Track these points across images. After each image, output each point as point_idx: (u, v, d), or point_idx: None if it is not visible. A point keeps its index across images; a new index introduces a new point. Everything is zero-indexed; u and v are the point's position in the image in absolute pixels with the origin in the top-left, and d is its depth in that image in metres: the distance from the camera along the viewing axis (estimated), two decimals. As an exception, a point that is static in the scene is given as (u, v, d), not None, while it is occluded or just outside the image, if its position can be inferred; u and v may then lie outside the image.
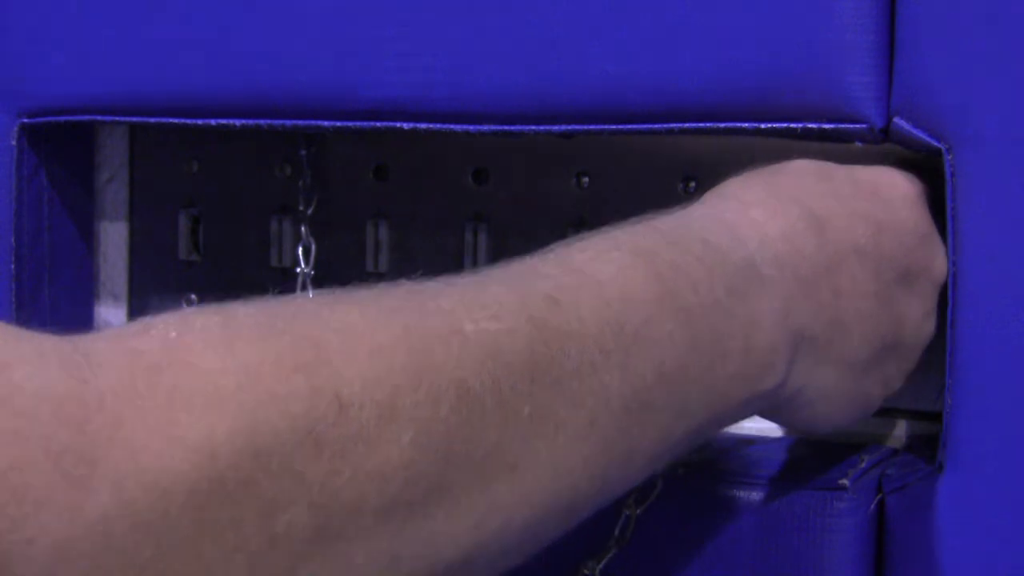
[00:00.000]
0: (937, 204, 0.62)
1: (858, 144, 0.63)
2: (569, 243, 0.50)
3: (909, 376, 0.62)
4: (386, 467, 0.39)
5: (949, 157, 0.60)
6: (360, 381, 0.39)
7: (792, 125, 0.62)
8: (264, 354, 0.38)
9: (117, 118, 0.76)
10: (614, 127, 0.66)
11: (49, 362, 0.36)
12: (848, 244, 0.56)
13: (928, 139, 0.61)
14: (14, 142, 0.78)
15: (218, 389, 0.37)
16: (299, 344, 0.39)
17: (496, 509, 0.43)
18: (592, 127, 0.66)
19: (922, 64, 0.61)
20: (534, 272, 0.47)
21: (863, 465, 0.62)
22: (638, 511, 0.61)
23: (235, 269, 0.82)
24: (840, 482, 0.60)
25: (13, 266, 0.79)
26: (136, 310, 0.84)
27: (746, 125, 0.63)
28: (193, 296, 0.83)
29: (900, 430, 0.68)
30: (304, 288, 0.78)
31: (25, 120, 0.78)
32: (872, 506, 0.60)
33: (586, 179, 0.74)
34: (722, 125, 0.64)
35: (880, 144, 0.63)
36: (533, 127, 0.67)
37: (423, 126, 0.69)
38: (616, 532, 0.61)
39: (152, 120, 0.75)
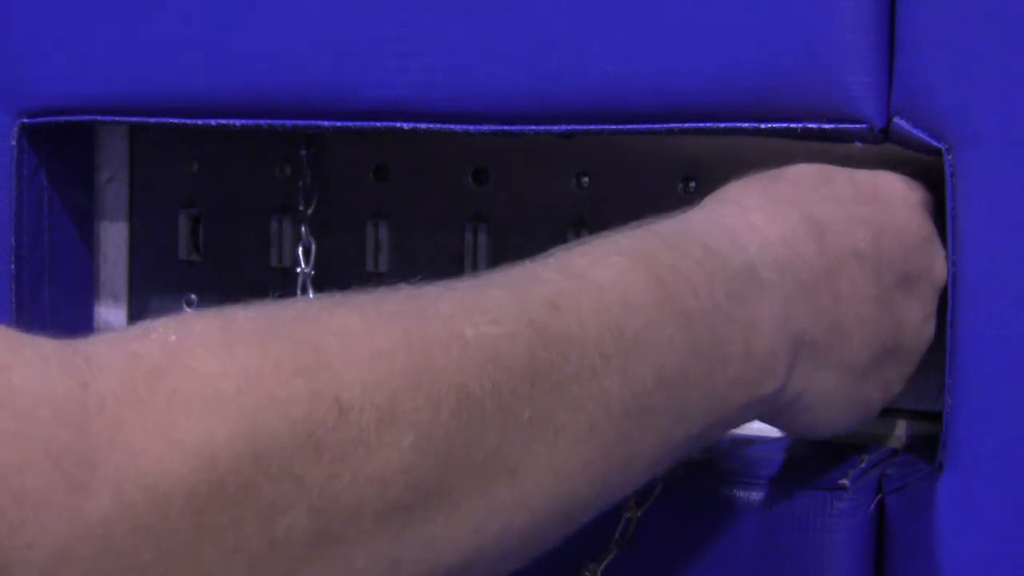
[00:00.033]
0: (937, 207, 0.62)
1: (858, 144, 0.63)
2: (569, 247, 0.50)
3: (909, 377, 0.62)
4: (386, 471, 0.39)
5: (949, 157, 0.60)
6: (360, 385, 0.39)
7: (792, 125, 0.63)
8: (264, 358, 0.38)
9: (117, 118, 0.76)
10: (614, 127, 0.66)
11: (50, 365, 0.36)
12: (848, 248, 0.57)
13: (928, 139, 0.61)
14: (14, 142, 0.78)
15: (218, 393, 0.37)
16: (299, 348, 0.39)
17: (496, 513, 0.43)
18: (592, 127, 0.66)
19: (922, 64, 0.61)
20: (534, 277, 0.47)
21: (863, 465, 0.62)
22: (639, 512, 0.61)
23: (235, 269, 0.82)
24: (840, 482, 0.60)
25: (13, 266, 0.79)
26: (136, 310, 0.84)
27: (746, 125, 0.63)
28: (193, 296, 0.83)
29: (900, 430, 0.68)
30: (304, 288, 0.78)
31: (25, 120, 0.78)
32: (872, 506, 0.61)
33: (586, 179, 0.74)
34: (722, 125, 0.64)
35: (880, 144, 0.63)
36: (533, 127, 0.67)
37: (423, 126, 0.69)
38: (617, 534, 0.61)
39: (152, 120, 0.75)
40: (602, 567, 0.61)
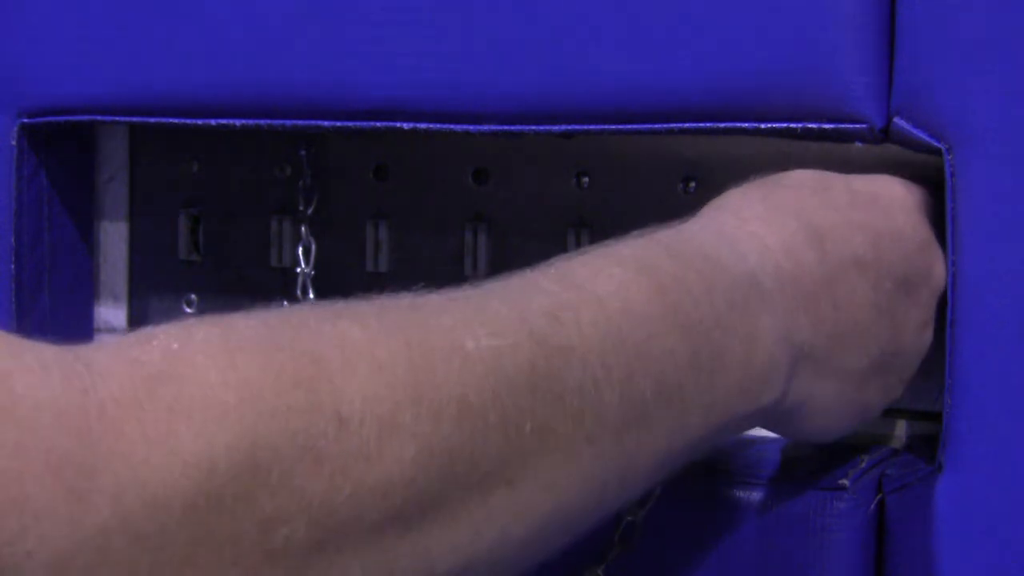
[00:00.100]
0: (937, 208, 0.62)
1: (858, 144, 0.63)
2: (570, 257, 0.50)
3: (908, 381, 0.62)
4: (387, 483, 0.39)
5: (949, 157, 0.60)
6: (361, 397, 0.39)
7: (792, 125, 0.63)
8: (265, 368, 0.38)
9: (117, 118, 0.76)
10: (614, 127, 0.66)
11: (51, 372, 0.36)
12: (848, 256, 0.56)
13: (928, 139, 0.61)
14: (14, 142, 0.78)
15: (219, 402, 0.37)
16: (300, 359, 0.39)
17: (493, 523, 0.43)
18: (592, 127, 0.66)
19: (922, 64, 0.61)
20: (535, 287, 0.47)
21: (863, 465, 0.62)
22: (641, 514, 0.61)
23: (235, 269, 0.82)
24: (840, 482, 0.60)
25: (13, 266, 0.79)
26: (136, 310, 0.84)
27: (746, 125, 0.63)
28: (193, 296, 0.83)
29: (900, 430, 0.68)
30: (304, 288, 0.78)
31: (25, 120, 0.78)
32: (872, 506, 0.61)
33: (586, 179, 0.74)
34: (722, 125, 0.64)
35: (880, 144, 0.63)
36: (533, 127, 0.67)
37: (423, 126, 0.69)
38: (616, 537, 0.61)
39: (152, 120, 0.74)
40: (602, 571, 0.61)
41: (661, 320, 0.48)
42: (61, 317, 0.81)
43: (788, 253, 0.54)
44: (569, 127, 0.67)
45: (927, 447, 0.64)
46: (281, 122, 0.71)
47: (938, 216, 0.62)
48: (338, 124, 0.70)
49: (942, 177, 0.61)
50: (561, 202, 0.75)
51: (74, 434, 0.35)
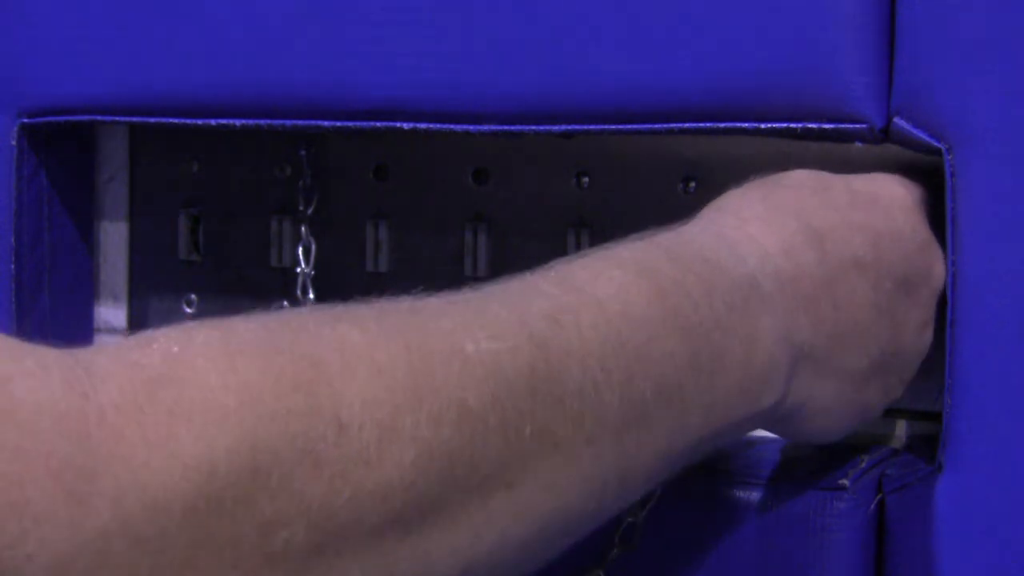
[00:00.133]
0: (937, 207, 0.62)
1: (858, 144, 0.63)
2: (570, 260, 0.50)
3: (909, 381, 0.62)
4: (387, 487, 0.39)
5: (949, 157, 0.60)
6: (360, 401, 0.39)
7: (792, 125, 0.63)
8: (265, 372, 0.38)
9: (117, 118, 0.76)
10: (614, 127, 0.66)
11: (51, 376, 0.36)
12: (847, 256, 0.56)
13: (928, 139, 0.61)
14: (14, 142, 0.78)
15: (219, 406, 0.37)
16: (300, 363, 0.39)
17: (492, 526, 0.43)
18: (592, 127, 0.66)
19: (922, 64, 0.61)
20: (534, 291, 0.47)
21: (863, 465, 0.62)
22: (641, 515, 0.61)
23: (235, 269, 0.82)
24: (840, 482, 0.60)
25: (13, 266, 0.79)
26: (136, 310, 0.84)
27: (746, 125, 0.63)
28: (193, 296, 0.83)
29: (900, 430, 0.68)
30: (304, 288, 0.78)
31: (25, 120, 0.78)
32: (872, 506, 0.61)
33: (586, 179, 0.74)
34: (722, 125, 0.64)
35: (880, 144, 0.63)
36: (533, 127, 0.67)
37: (423, 126, 0.69)
38: (617, 538, 0.61)
39: (152, 120, 0.75)
40: (603, 570, 0.61)
41: (661, 323, 0.48)
42: (61, 317, 0.81)
43: (788, 254, 0.55)
44: (569, 127, 0.67)
45: (927, 447, 0.64)
46: (281, 122, 0.71)
47: (938, 216, 0.62)
48: (338, 124, 0.71)
49: (942, 177, 0.61)
50: (561, 202, 0.75)
51: (74, 437, 0.35)
